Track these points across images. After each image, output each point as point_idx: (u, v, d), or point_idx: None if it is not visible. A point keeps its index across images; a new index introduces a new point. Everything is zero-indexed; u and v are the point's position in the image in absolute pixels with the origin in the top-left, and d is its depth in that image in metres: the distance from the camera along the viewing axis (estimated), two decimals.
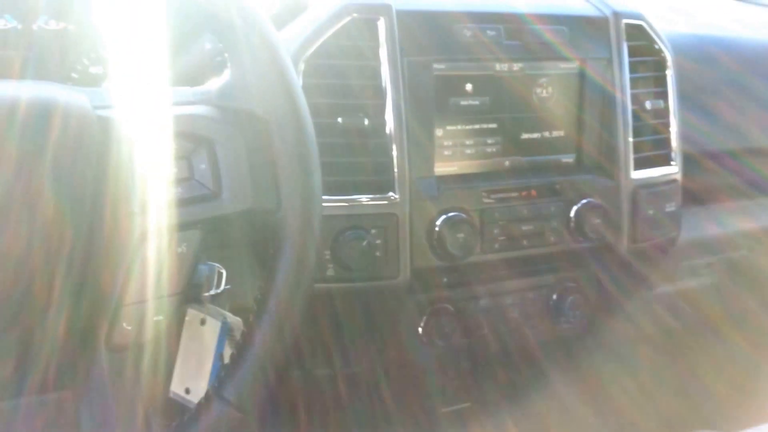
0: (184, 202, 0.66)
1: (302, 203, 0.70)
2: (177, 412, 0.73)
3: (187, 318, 0.87)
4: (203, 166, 0.67)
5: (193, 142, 0.67)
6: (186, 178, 0.66)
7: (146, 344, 0.67)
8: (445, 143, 0.99)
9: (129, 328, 0.65)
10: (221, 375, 0.71)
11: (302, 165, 0.70)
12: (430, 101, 0.97)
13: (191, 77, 0.86)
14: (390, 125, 0.93)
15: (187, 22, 0.85)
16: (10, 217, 0.58)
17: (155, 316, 0.66)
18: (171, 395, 0.85)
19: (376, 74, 0.94)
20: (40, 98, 0.61)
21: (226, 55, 0.71)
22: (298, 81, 0.72)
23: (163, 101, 0.68)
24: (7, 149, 0.58)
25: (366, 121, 0.92)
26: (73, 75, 0.93)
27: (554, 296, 1.09)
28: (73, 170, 0.60)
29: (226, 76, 0.70)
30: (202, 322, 0.86)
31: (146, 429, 0.67)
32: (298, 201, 0.70)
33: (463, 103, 1.00)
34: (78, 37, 0.92)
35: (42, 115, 0.60)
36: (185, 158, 0.66)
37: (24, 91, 0.61)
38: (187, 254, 0.67)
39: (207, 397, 0.70)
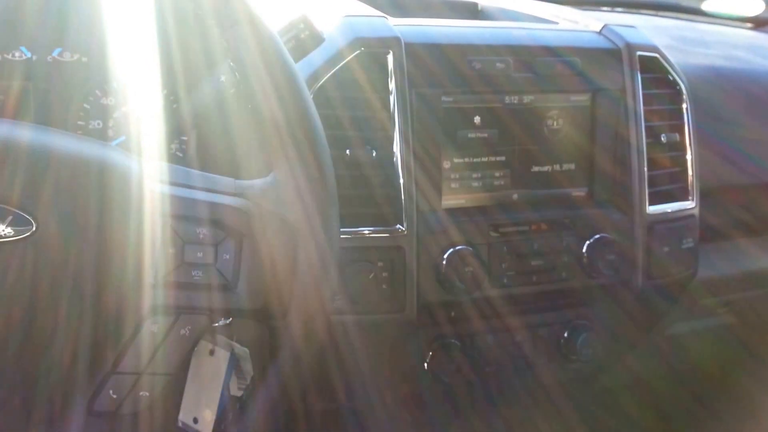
0: (199, 287, 0.70)
1: (309, 317, 0.74)
2: None
3: (196, 348, 0.92)
4: (227, 257, 0.71)
5: (225, 231, 0.71)
6: (208, 264, 0.70)
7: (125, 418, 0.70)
8: (453, 176, 1.02)
9: (114, 396, 0.69)
10: None
11: (319, 279, 0.74)
12: (438, 133, 1.00)
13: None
14: (398, 157, 0.97)
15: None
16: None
17: (142, 391, 0.70)
18: (180, 425, 0.89)
19: (385, 106, 0.97)
20: (96, 157, 0.67)
21: (276, 157, 0.75)
22: (336, 197, 0.76)
23: (208, 187, 0.72)
24: (59, 207, 0.64)
25: (374, 153, 0.96)
26: (85, 105, 0.99)
27: (565, 334, 1.11)
28: (108, 234, 0.65)
29: (270, 176, 0.74)
30: (211, 352, 0.90)
31: None
32: (306, 313, 0.74)
33: (471, 135, 1.03)
34: (91, 69, 0.97)
35: (92, 173, 0.66)
36: (213, 245, 0.70)
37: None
38: (188, 338, 0.71)
39: None
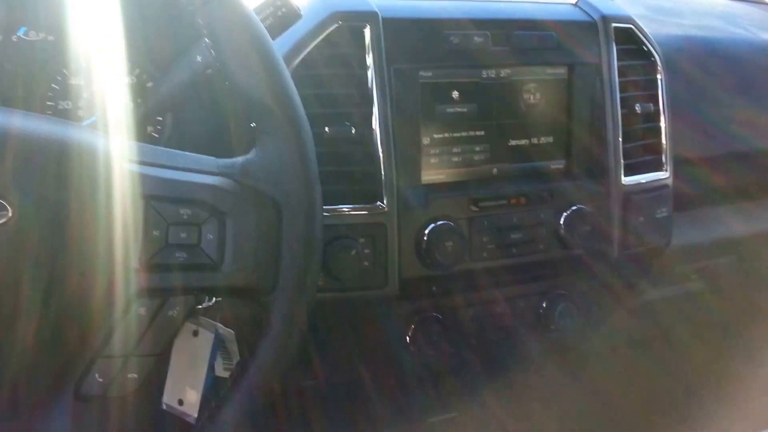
0: (184, 268, 0.70)
1: (296, 290, 0.75)
2: None
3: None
4: (210, 237, 0.71)
5: (208, 211, 0.71)
6: (192, 245, 0.70)
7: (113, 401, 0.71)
8: (432, 151, 1.03)
9: (101, 380, 0.69)
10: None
11: (305, 254, 0.75)
12: (416, 109, 1.01)
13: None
14: (377, 134, 0.97)
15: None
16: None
17: (130, 373, 0.70)
18: (164, 407, 0.90)
19: (363, 83, 0.98)
20: (85, 144, 0.67)
21: (256, 132, 0.75)
22: (317, 171, 0.77)
23: (189, 166, 0.72)
24: (34, 190, 0.64)
25: (353, 131, 0.97)
26: (53, 86, 0.97)
27: (544, 304, 1.13)
28: (89, 217, 0.65)
29: (252, 152, 0.74)
30: (195, 333, 0.90)
31: None
32: (293, 288, 0.74)
33: (450, 110, 1.04)
34: (58, 48, 0.96)
35: (82, 161, 0.66)
36: (196, 225, 0.70)
37: (71, 133, 0.67)
38: (175, 319, 0.72)
39: None
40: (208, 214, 0.71)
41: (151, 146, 0.75)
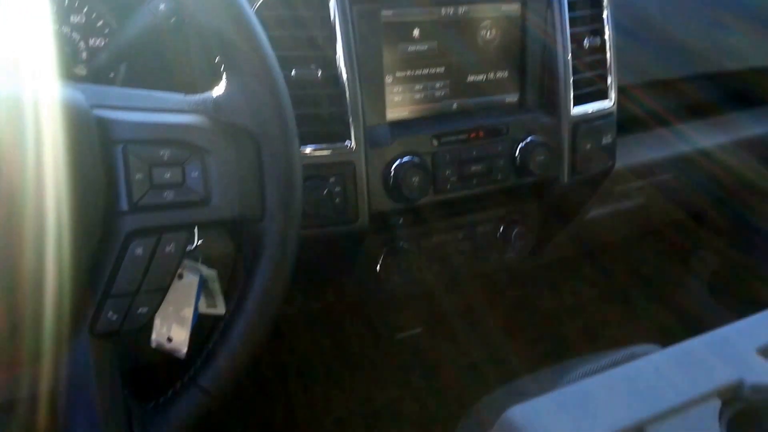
0: (174, 206, 0.73)
1: (284, 214, 0.78)
2: (152, 394, 0.81)
3: None
4: (195, 174, 0.73)
5: (189, 150, 0.73)
6: (178, 184, 0.73)
7: (128, 333, 0.74)
8: (396, 89, 1.07)
9: (114, 317, 0.72)
10: (197, 365, 0.79)
11: (287, 179, 0.78)
12: (379, 49, 1.05)
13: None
14: (342, 75, 1.00)
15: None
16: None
17: (140, 308, 0.74)
18: (153, 344, 0.94)
19: (326, 24, 1.00)
20: (39, 95, 0.66)
21: (223, 68, 0.77)
22: (288, 99, 0.79)
23: (160, 106, 0.74)
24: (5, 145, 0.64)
25: (319, 73, 0.99)
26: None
27: (501, 229, 1.21)
28: (67, 168, 0.66)
29: (221, 88, 0.77)
30: (180, 276, 0.95)
31: (125, 410, 0.76)
32: (280, 212, 0.78)
33: (411, 48, 1.08)
34: None
35: (39, 112, 0.65)
36: (179, 165, 0.73)
37: (23, 87, 0.67)
38: (174, 253, 0.74)
39: (183, 385, 0.79)
40: (189, 153, 0.73)
41: (117, 89, 0.77)
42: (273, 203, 0.78)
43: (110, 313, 0.72)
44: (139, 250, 0.72)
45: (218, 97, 0.76)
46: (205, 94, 0.77)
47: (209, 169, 0.74)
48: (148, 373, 0.88)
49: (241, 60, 0.76)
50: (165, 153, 0.72)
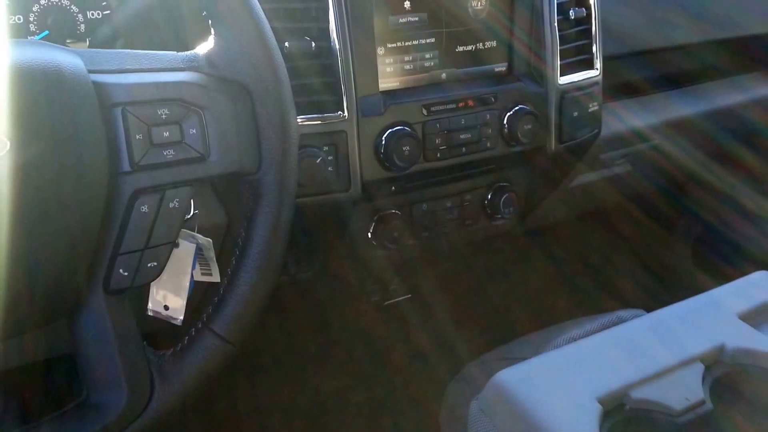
0: (175, 163, 0.74)
1: (280, 164, 0.80)
2: (168, 343, 0.83)
3: None
4: (193, 131, 0.75)
5: (185, 108, 0.75)
6: (177, 142, 0.74)
7: (140, 288, 0.76)
8: (387, 60, 1.09)
9: (126, 274, 0.74)
10: (209, 311, 0.81)
11: (281, 129, 0.80)
12: (371, 20, 1.06)
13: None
14: (335, 46, 1.02)
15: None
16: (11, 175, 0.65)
17: (150, 262, 0.76)
18: (150, 313, 0.96)
19: None
20: (37, 60, 0.67)
21: (210, 22, 0.78)
22: (278, 49, 0.80)
23: (155, 66, 0.75)
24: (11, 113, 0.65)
25: (312, 45, 1.01)
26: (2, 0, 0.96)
27: (489, 196, 1.24)
28: (68, 131, 0.68)
29: (210, 43, 0.78)
30: (176, 245, 0.96)
31: (144, 360, 0.78)
32: (277, 162, 0.80)
33: (402, 20, 1.09)
34: None
35: (37, 77, 0.67)
36: (177, 123, 0.74)
37: (21, 52, 0.68)
38: (179, 208, 0.76)
39: (198, 331, 0.81)
40: (186, 111, 0.75)
41: (113, 51, 0.77)
42: (270, 153, 0.80)
43: (121, 270, 0.74)
44: (144, 208, 0.74)
45: (210, 52, 0.78)
46: (197, 50, 0.79)
47: (206, 125, 0.76)
48: (164, 324, 0.91)
49: (226, 12, 0.78)
50: (162, 112, 0.74)
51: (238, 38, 0.78)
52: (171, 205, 0.76)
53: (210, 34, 0.79)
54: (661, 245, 1.88)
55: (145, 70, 0.75)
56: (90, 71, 0.71)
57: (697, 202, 1.81)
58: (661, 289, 1.82)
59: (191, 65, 0.77)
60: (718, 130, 1.55)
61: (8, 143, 0.65)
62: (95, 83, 0.71)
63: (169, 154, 0.74)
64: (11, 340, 0.73)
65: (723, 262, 1.79)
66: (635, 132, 1.42)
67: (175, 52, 0.78)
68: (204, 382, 0.80)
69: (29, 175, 0.66)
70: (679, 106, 1.49)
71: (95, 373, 0.75)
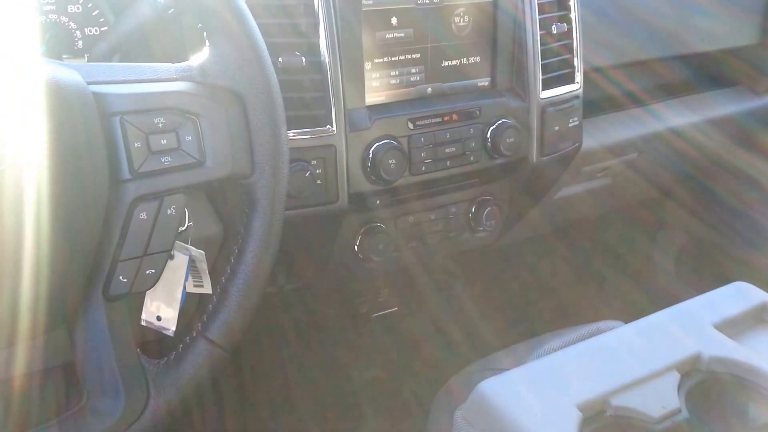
0: (171, 170, 0.77)
1: (272, 168, 0.83)
2: (163, 351, 0.85)
3: None
4: (189, 138, 0.78)
5: (181, 116, 0.78)
6: (174, 148, 0.77)
7: (138, 294, 0.79)
8: (374, 75, 1.12)
9: (125, 280, 0.77)
10: (204, 319, 0.83)
11: (273, 135, 0.83)
12: (359, 36, 1.09)
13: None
14: (325, 62, 1.04)
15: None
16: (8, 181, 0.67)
17: (148, 269, 0.78)
18: (143, 323, 0.98)
19: (310, 12, 1.03)
20: (40, 76, 0.70)
21: (205, 34, 0.81)
22: (269, 57, 0.83)
23: (151, 77, 0.78)
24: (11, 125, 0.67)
25: (303, 60, 1.03)
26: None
27: (473, 208, 1.26)
28: (69, 143, 0.70)
29: (205, 54, 0.81)
30: (171, 257, 0.98)
31: (140, 368, 0.80)
32: (269, 166, 0.83)
33: (389, 36, 1.12)
34: None
35: (40, 91, 0.69)
36: (173, 131, 0.77)
37: (22, 67, 0.70)
38: (175, 216, 0.78)
39: (192, 339, 0.83)
40: (181, 118, 0.78)
41: (110, 64, 0.80)
42: (261, 159, 0.82)
43: (121, 277, 0.76)
44: (143, 215, 0.76)
45: (203, 62, 0.81)
46: (191, 61, 0.81)
47: (202, 132, 0.79)
48: (153, 335, 0.92)
49: (220, 25, 0.81)
50: (159, 120, 0.76)
51: (231, 48, 0.81)
52: (168, 212, 0.78)
53: (204, 46, 0.82)
54: (645, 256, 1.91)
55: (142, 81, 0.78)
56: (89, 83, 0.74)
57: (681, 212, 1.84)
58: (645, 300, 1.84)
59: (185, 75, 0.80)
60: (701, 142, 1.58)
61: (11, 155, 0.67)
62: (95, 93, 0.73)
63: (167, 160, 0.77)
64: (12, 348, 0.75)
65: (706, 272, 1.82)
66: (618, 144, 1.45)
67: (170, 64, 0.81)
68: (197, 387, 0.82)
69: (33, 186, 0.68)
70: (663, 118, 1.52)
71: (94, 379, 0.78)
